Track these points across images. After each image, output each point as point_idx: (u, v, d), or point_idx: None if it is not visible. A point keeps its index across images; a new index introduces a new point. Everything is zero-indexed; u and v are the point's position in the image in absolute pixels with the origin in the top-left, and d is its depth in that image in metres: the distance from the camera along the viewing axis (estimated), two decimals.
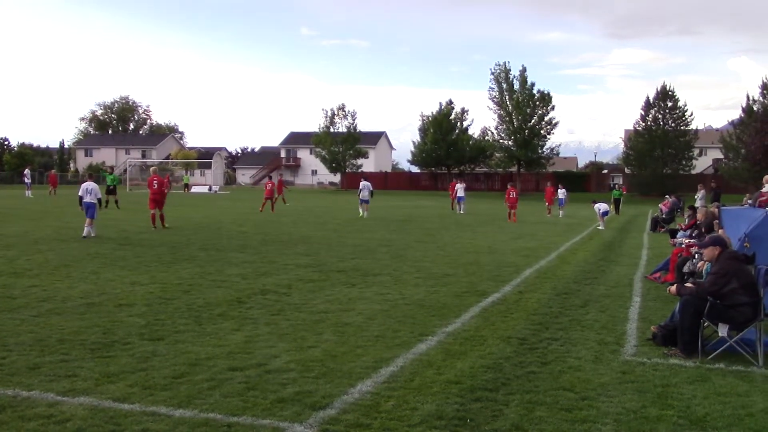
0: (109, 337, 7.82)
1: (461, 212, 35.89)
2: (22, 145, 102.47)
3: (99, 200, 19.25)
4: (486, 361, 7.17)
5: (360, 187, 32.48)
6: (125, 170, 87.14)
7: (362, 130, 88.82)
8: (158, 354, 7.13)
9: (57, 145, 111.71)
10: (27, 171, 54.18)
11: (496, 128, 78.26)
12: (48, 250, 15.68)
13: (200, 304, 9.83)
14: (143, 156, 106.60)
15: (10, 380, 6.17)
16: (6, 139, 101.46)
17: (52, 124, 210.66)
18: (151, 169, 28.90)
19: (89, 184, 19.66)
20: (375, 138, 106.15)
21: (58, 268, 13.06)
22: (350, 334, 8.23)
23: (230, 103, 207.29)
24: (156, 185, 22.60)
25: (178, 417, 5.36)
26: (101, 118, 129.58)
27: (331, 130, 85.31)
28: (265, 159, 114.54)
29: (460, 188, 37.13)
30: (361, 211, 31.52)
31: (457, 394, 6.07)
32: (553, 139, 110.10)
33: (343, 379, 6.42)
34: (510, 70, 76.15)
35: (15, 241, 17.37)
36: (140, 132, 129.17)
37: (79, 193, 19.61)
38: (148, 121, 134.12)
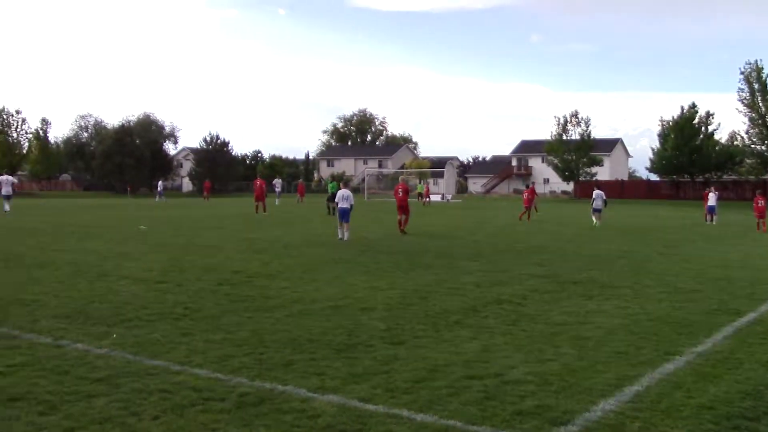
0: (353, 339, 8.22)
1: (712, 223, 33.37)
2: (273, 157, 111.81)
3: (352, 206, 21.14)
4: (743, 387, 6.57)
5: (593, 196, 31.73)
6: (363, 179, 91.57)
7: (596, 137, 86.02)
8: (399, 358, 7.37)
9: (303, 156, 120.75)
10: (277, 180, 58.83)
11: (747, 132, 72.11)
12: (297, 255, 16.88)
13: (437, 311, 10.03)
14: (379, 166, 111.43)
15: (268, 374, 6.70)
16: (259, 152, 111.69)
17: (299, 137, 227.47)
18: (400, 178, 30.59)
19: (344, 191, 21.54)
20: (610, 145, 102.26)
21: (306, 271, 14.00)
22: (589, 349, 7.95)
23: (460, 113, 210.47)
24: (401, 193, 24.20)
25: (419, 421, 5.48)
26: (341, 130, 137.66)
27: (564, 137, 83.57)
28: (497, 168, 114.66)
29: (712, 197, 34.57)
30: (594, 220, 30.59)
31: (711, 421, 5.62)
32: None
33: (583, 395, 6.21)
34: (762, 68, 69.77)
35: (267, 246, 18.92)
36: (377, 143, 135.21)
37: (336, 199, 21.81)
38: (384, 132, 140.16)
